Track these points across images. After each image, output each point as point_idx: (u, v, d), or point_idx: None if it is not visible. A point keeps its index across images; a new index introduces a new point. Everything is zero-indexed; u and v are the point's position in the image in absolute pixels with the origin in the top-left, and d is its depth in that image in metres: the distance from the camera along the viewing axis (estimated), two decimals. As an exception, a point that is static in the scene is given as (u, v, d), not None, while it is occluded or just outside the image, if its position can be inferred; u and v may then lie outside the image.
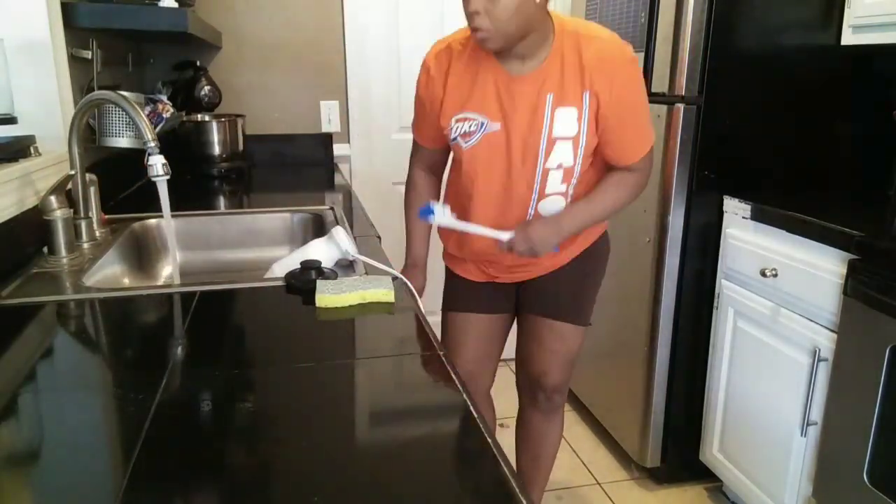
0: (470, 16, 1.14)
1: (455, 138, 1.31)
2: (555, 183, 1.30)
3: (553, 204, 1.33)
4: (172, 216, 1.58)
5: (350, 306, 1.02)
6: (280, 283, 1.12)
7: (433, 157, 1.48)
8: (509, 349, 1.64)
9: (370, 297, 1.03)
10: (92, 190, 1.37)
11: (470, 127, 1.28)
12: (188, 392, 0.77)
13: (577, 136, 1.25)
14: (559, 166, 1.27)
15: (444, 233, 1.52)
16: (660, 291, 1.93)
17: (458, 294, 1.56)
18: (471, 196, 1.36)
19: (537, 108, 1.23)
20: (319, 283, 1.05)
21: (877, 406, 1.37)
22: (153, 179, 1.19)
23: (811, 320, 1.55)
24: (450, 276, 1.58)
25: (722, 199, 1.86)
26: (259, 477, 0.60)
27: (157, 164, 1.17)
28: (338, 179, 2.22)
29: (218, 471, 0.62)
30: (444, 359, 0.85)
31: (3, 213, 1.16)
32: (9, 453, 0.64)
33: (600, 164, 1.35)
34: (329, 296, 1.01)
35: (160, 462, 0.62)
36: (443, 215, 1.33)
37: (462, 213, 1.37)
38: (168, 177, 1.19)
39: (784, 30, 1.80)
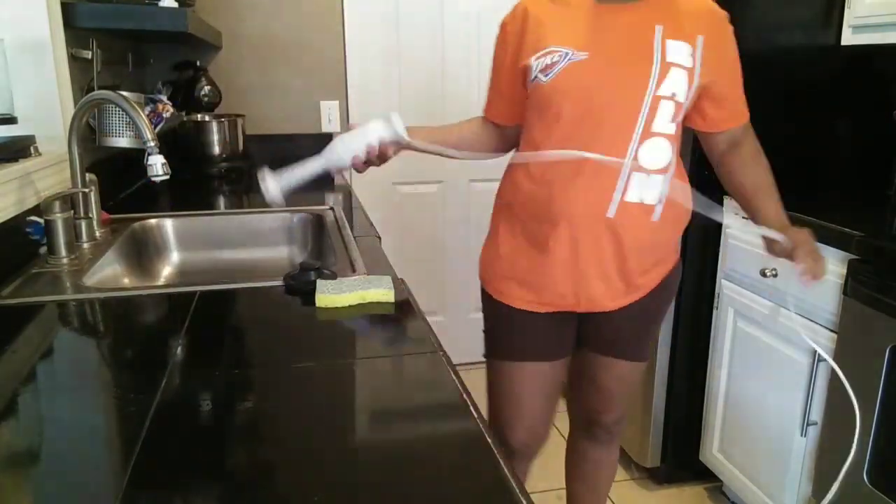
0: None
1: (535, 77, 1.15)
2: (664, 118, 1.14)
3: (656, 151, 1.15)
4: (173, 216, 1.59)
5: (350, 306, 1.02)
6: (280, 283, 1.12)
7: (499, 130, 1.32)
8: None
9: (370, 297, 1.03)
10: (92, 190, 1.36)
11: (552, 59, 1.14)
12: (188, 392, 0.77)
13: (692, 70, 1.14)
14: (672, 96, 1.13)
15: (517, 194, 1.25)
16: (660, 291, 1.93)
17: (512, 335, 1.30)
18: (551, 142, 1.17)
19: (642, 36, 1.13)
20: (319, 283, 1.05)
21: (877, 406, 1.37)
22: (153, 179, 1.19)
23: (811, 320, 1.55)
24: (494, 307, 1.31)
25: (722, 199, 1.85)
26: (259, 477, 0.60)
27: (157, 164, 1.17)
28: (338, 179, 2.22)
29: (218, 471, 0.62)
30: (443, 358, 0.85)
31: (3, 213, 1.16)
32: (9, 453, 0.64)
33: (680, 130, 1.21)
34: (329, 296, 1.01)
35: (160, 462, 0.62)
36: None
37: (546, 177, 1.18)
38: (168, 177, 1.19)
39: (784, 30, 1.80)
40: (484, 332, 1.36)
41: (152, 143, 1.17)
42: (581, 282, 1.21)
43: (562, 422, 2.47)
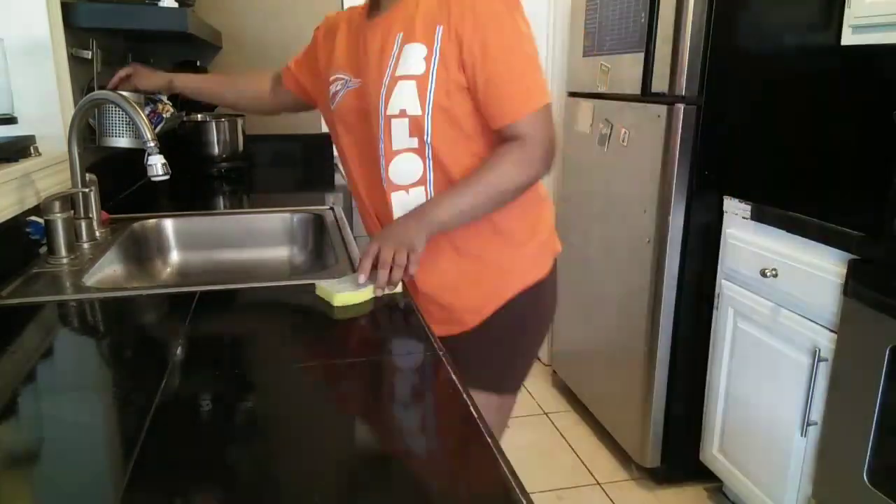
0: None
1: (330, 102, 1.20)
2: (401, 136, 1.07)
3: (407, 165, 1.09)
4: (173, 216, 1.59)
5: (366, 301, 1.02)
6: (279, 283, 1.12)
7: (283, 94, 1.43)
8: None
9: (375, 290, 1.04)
10: (92, 190, 1.36)
11: (336, 87, 1.18)
12: (188, 392, 0.77)
13: (425, 76, 1.03)
14: (402, 113, 1.05)
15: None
16: (660, 291, 1.93)
17: None
18: (346, 163, 1.23)
19: (385, 49, 1.07)
20: (327, 283, 1.04)
21: (877, 406, 1.37)
22: (153, 179, 1.19)
23: (811, 320, 1.55)
24: None
25: (722, 199, 1.86)
26: (259, 477, 0.60)
27: (157, 164, 1.17)
28: (338, 179, 2.22)
29: (218, 471, 0.62)
30: (443, 358, 0.85)
31: (4, 213, 1.16)
32: (9, 453, 0.64)
33: (471, 120, 1.09)
34: (346, 294, 1.01)
35: (160, 462, 0.62)
36: None
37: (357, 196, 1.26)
38: (168, 177, 1.19)
39: (784, 30, 1.80)
40: None
41: (152, 144, 1.17)
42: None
43: (562, 421, 2.47)
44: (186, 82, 1.45)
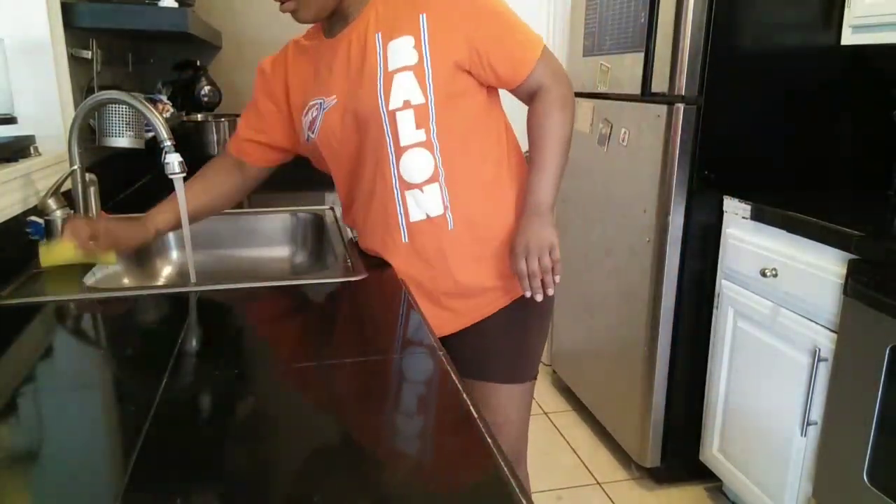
0: None
1: (308, 137, 1.17)
2: (408, 129, 1.09)
3: (417, 161, 1.11)
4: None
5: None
6: (279, 283, 1.12)
7: (250, 171, 1.30)
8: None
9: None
10: (92, 190, 1.36)
11: (313, 114, 1.14)
12: (188, 392, 0.77)
13: (420, 64, 1.06)
14: (406, 104, 1.07)
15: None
16: (660, 291, 1.93)
17: None
18: (346, 196, 1.22)
19: (365, 53, 1.08)
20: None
21: (877, 406, 1.38)
22: (170, 177, 1.19)
23: (811, 320, 1.55)
24: None
25: (722, 199, 1.86)
26: (259, 477, 0.60)
27: (174, 162, 1.17)
28: (338, 179, 2.22)
29: (218, 471, 0.62)
30: (444, 358, 0.85)
31: (4, 213, 1.16)
32: (9, 453, 0.64)
33: (475, 107, 1.14)
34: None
35: (160, 462, 0.62)
36: None
37: (357, 224, 1.24)
38: (185, 174, 1.19)
39: (784, 30, 1.80)
40: None
41: (169, 143, 1.17)
42: (425, 309, 1.18)
43: (562, 421, 2.48)
44: (165, 220, 1.23)
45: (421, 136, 1.10)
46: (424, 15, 1.06)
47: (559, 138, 1.15)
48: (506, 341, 1.22)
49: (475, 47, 1.08)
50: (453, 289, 1.18)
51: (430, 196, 1.12)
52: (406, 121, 1.08)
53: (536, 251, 1.12)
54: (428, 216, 1.13)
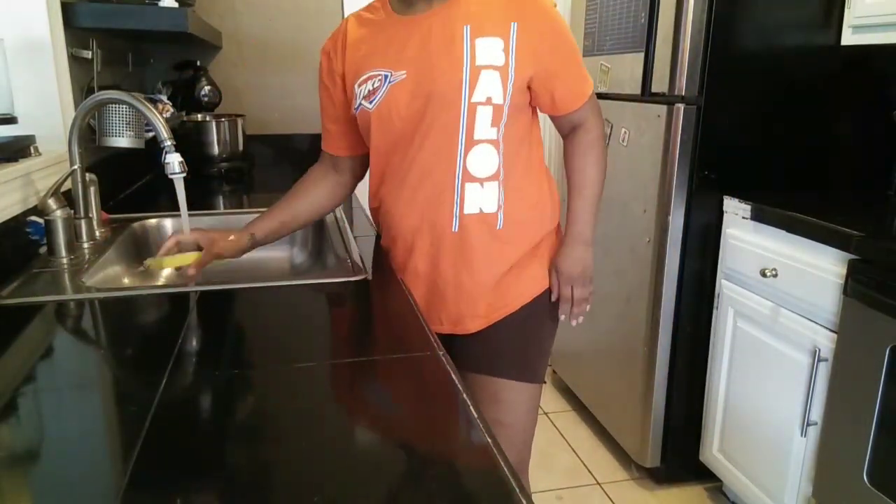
0: None
1: (359, 106, 1.15)
2: (484, 124, 1.12)
3: (485, 156, 1.14)
4: (173, 216, 1.59)
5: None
6: (279, 283, 1.12)
7: (342, 163, 1.31)
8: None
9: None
10: (92, 190, 1.36)
11: (373, 84, 1.14)
12: (188, 392, 0.77)
13: (506, 66, 1.10)
14: (488, 100, 1.10)
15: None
16: (660, 291, 1.93)
17: None
18: (389, 175, 1.19)
19: (451, 41, 1.10)
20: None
21: (877, 406, 1.38)
22: (170, 177, 1.19)
23: (811, 320, 1.55)
24: None
25: (722, 199, 1.86)
26: (259, 477, 0.60)
27: (175, 162, 1.17)
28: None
29: (218, 471, 0.62)
30: (443, 358, 0.85)
31: (4, 213, 1.16)
32: (9, 453, 0.64)
33: (526, 123, 1.19)
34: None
35: (160, 462, 0.62)
36: None
37: (391, 204, 1.20)
38: (185, 174, 1.19)
39: (784, 30, 1.80)
40: None
41: (169, 142, 1.17)
42: (440, 304, 1.21)
43: (562, 421, 2.47)
44: (263, 228, 1.25)
45: (493, 133, 1.14)
46: (517, 24, 1.10)
47: (601, 172, 1.25)
48: (521, 339, 1.25)
49: (546, 67, 1.13)
50: (489, 284, 1.20)
51: (488, 192, 1.15)
52: (484, 116, 1.12)
53: (581, 280, 1.24)
54: (481, 211, 1.16)
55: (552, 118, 1.24)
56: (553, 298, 1.25)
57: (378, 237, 1.47)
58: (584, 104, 1.21)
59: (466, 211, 1.15)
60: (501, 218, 1.17)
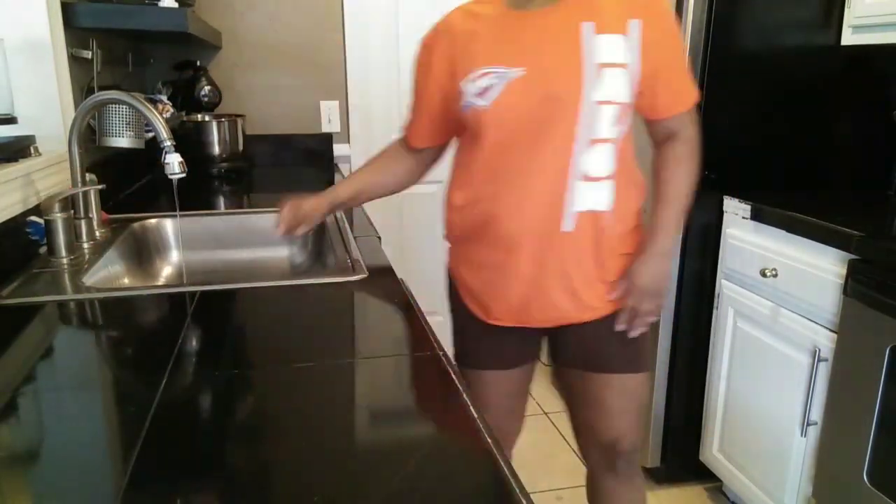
0: None
1: (469, 104, 1.11)
2: (606, 123, 1.09)
3: (602, 155, 1.11)
4: (173, 216, 1.59)
5: None
6: (279, 283, 1.12)
7: (421, 153, 1.31)
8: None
9: None
10: (92, 190, 1.36)
11: (488, 81, 1.09)
12: (188, 392, 0.77)
13: (631, 64, 1.08)
14: (612, 99, 1.08)
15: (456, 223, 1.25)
16: (660, 291, 1.93)
17: (478, 346, 1.30)
18: (496, 173, 1.14)
19: (571, 37, 1.07)
20: None
21: (877, 406, 1.38)
22: (170, 177, 1.19)
23: (811, 320, 1.55)
24: (461, 317, 1.31)
25: (722, 199, 1.86)
26: (259, 477, 0.60)
27: (174, 163, 1.17)
28: (338, 179, 2.22)
29: (218, 471, 0.62)
30: (443, 358, 0.85)
31: (4, 213, 1.16)
32: (9, 453, 0.64)
33: (628, 129, 1.17)
34: None
35: (160, 462, 0.62)
36: None
37: (494, 204, 1.15)
38: (184, 174, 1.19)
39: (784, 30, 1.80)
40: (454, 339, 1.36)
41: (168, 143, 1.17)
42: (541, 299, 1.18)
43: (562, 421, 2.47)
44: (343, 191, 1.31)
45: (614, 133, 1.11)
46: (640, 22, 1.08)
47: (691, 185, 1.22)
48: (623, 334, 1.25)
49: (656, 67, 1.11)
50: (597, 280, 1.19)
51: (603, 191, 1.13)
52: (606, 115, 1.09)
53: (652, 294, 1.20)
54: (593, 210, 1.13)
55: (648, 122, 1.21)
56: (620, 305, 1.21)
57: (378, 238, 1.47)
58: (686, 111, 1.19)
59: (577, 209, 1.12)
60: (612, 215, 1.15)
